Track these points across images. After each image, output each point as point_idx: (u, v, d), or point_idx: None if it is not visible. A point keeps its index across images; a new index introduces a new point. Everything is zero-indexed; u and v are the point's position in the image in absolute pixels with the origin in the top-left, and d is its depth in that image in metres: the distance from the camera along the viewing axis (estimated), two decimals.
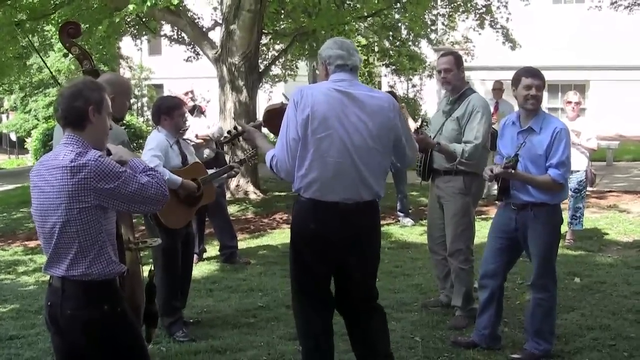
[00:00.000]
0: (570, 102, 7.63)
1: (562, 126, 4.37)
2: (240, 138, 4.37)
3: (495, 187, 4.60)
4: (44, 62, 6.29)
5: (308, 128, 3.47)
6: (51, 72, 9.03)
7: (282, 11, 14.28)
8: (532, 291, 4.50)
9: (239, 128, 4.24)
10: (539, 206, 4.35)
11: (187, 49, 16.65)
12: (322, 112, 3.47)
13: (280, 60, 17.94)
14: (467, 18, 16.11)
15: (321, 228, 3.52)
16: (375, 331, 3.77)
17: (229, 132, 4.35)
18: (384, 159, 3.62)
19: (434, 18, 16.59)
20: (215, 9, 17.14)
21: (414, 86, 22.51)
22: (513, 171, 4.21)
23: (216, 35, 13.41)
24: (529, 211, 4.37)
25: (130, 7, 9.82)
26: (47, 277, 2.93)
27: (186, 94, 7.85)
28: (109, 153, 2.96)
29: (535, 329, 4.44)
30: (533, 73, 4.40)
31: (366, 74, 25.97)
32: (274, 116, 4.02)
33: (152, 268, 3.81)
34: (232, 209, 10.90)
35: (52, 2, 12.29)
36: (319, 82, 3.74)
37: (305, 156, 3.49)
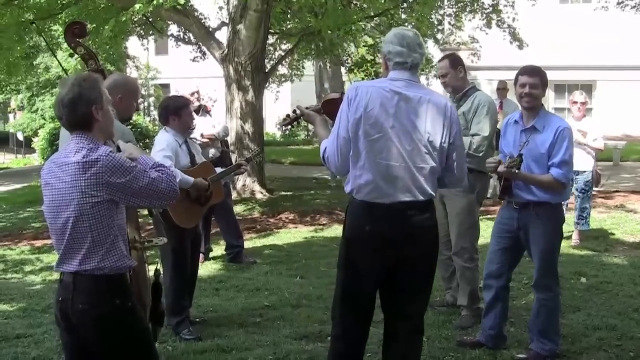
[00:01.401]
0: (576, 102, 7.62)
1: (565, 125, 4.36)
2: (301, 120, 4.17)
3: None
4: (58, 62, 6.29)
5: (360, 129, 3.38)
6: (66, 72, 8.99)
7: (289, 11, 14.28)
8: (535, 291, 4.49)
9: (298, 112, 4.07)
10: (540, 205, 4.33)
11: (194, 49, 16.67)
12: (375, 113, 3.38)
13: (287, 60, 17.95)
14: (473, 18, 16.10)
15: (377, 228, 3.43)
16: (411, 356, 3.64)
17: (287, 115, 4.22)
18: (435, 161, 3.51)
19: (440, 18, 16.58)
20: (221, 8, 17.19)
21: None
22: (517, 171, 4.20)
23: (223, 35, 13.44)
24: (531, 210, 4.35)
25: (137, 6, 9.86)
26: (55, 276, 2.95)
27: (192, 94, 7.86)
28: (118, 150, 2.97)
29: (540, 329, 4.42)
30: (527, 71, 4.39)
31: (373, 74, 25.97)
32: (333, 103, 3.89)
33: (158, 267, 3.82)
34: (238, 209, 10.92)
35: (59, 1, 12.33)
36: (378, 79, 3.61)
37: (359, 157, 3.42)
